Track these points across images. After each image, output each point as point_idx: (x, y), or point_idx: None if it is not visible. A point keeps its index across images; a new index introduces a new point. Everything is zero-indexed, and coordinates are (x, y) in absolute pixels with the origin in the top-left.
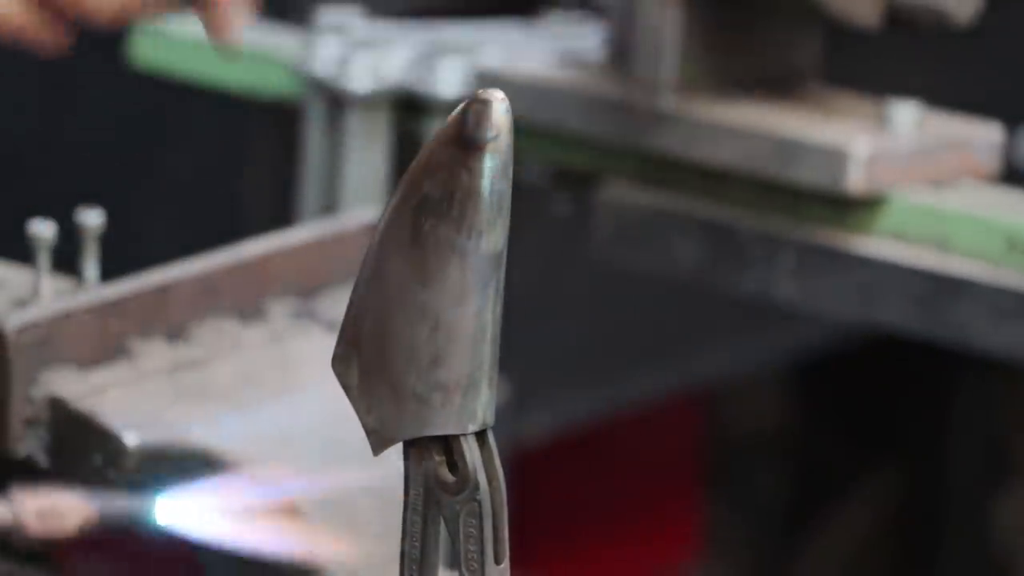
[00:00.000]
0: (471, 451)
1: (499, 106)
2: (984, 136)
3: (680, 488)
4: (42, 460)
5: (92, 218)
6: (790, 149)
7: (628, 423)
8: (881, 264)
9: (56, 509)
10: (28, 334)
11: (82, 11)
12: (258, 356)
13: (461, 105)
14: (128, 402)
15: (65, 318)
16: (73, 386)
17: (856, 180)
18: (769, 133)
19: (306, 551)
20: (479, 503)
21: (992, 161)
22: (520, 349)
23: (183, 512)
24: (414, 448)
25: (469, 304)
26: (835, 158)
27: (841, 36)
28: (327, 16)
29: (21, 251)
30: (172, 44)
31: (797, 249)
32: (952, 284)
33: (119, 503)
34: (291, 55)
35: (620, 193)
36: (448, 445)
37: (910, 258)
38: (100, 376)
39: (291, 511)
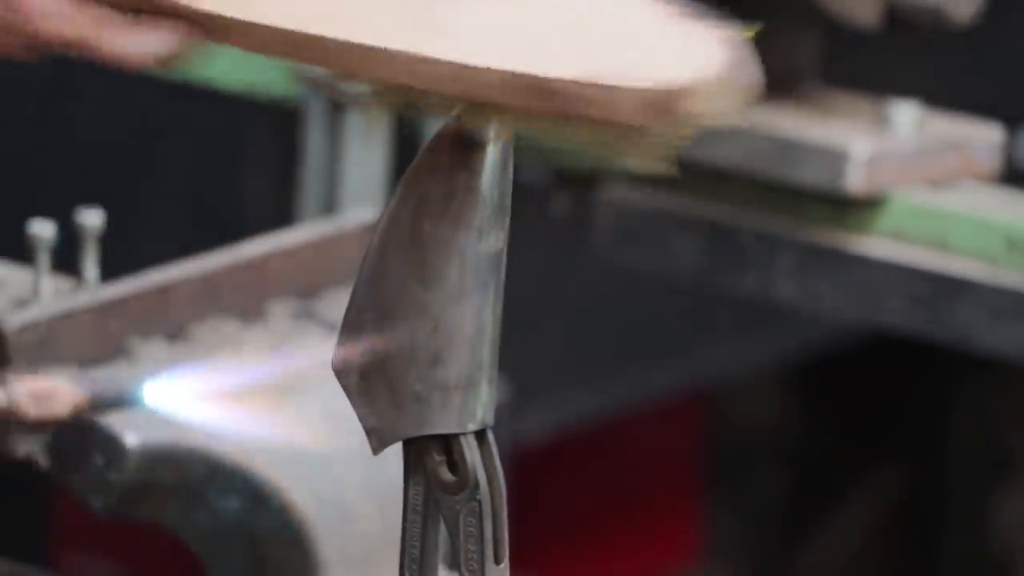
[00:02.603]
0: (471, 451)
1: None
2: (984, 136)
3: (680, 488)
4: (42, 460)
5: (92, 218)
6: (790, 149)
7: (628, 423)
8: (881, 264)
9: (49, 391)
10: (28, 334)
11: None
12: (259, 356)
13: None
14: None
15: (65, 318)
16: None
17: (856, 180)
18: (769, 133)
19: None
20: (479, 503)
21: (992, 161)
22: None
23: (171, 393)
24: (414, 448)
25: (469, 304)
26: (835, 158)
27: (841, 36)
28: None
29: (21, 251)
30: None
31: (797, 249)
32: (952, 284)
33: (110, 384)
34: None
35: (620, 193)
36: (448, 445)
37: (910, 258)
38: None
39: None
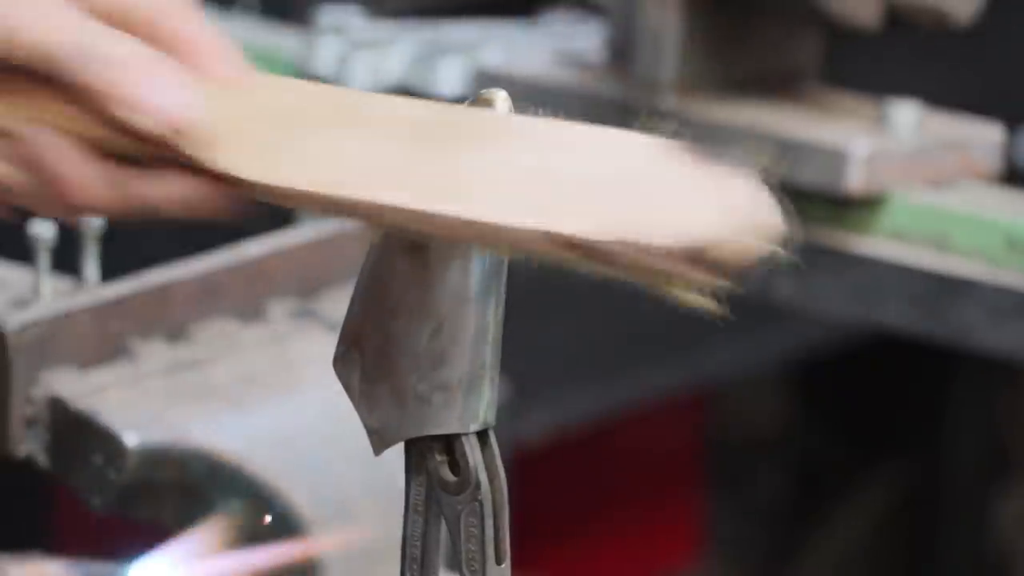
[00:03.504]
0: (472, 451)
1: (502, 105)
2: (984, 136)
3: (680, 488)
4: (42, 460)
5: (92, 218)
6: (790, 149)
7: (628, 423)
8: (881, 264)
9: None
10: (28, 334)
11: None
12: (258, 356)
13: (464, 104)
14: (128, 402)
15: (65, 318)
16: (73, 386)
17: (856, 180)
18: (769, 133)
19: None
20: (480, 503)
21: (992, 161)
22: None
23: None
24: (415, 448)
25: (472, 305)
26: (835, 158)
27: (841, 36)
28: (327, 16)
29: (21, 251)
30: None
31: (797, 249)
32: (952, 284)
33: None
34: (291, 55)
35: None
36: (449, 445)
37: (910, 258)
38: (100, 376)
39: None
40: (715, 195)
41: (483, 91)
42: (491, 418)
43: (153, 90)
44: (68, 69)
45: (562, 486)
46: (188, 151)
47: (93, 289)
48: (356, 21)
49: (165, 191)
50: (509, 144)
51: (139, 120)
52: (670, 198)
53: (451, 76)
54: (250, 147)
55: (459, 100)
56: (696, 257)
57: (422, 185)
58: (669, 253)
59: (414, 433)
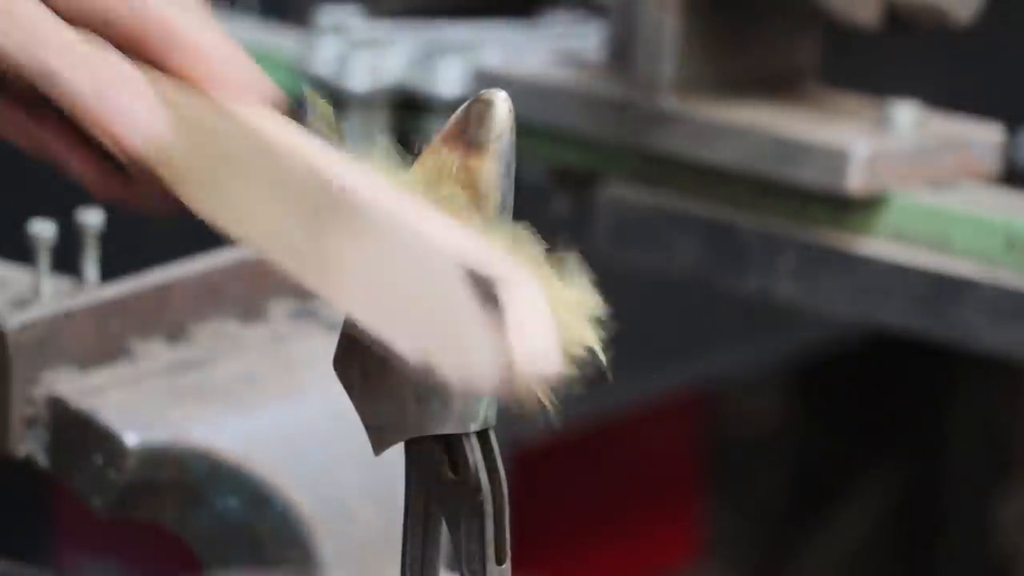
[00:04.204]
0: (473, 451)
1: (502, 106)
2: (984, 136)
3: (680, 488)
4: (42, 460)
5: (92, 218)
6: (790, 149)
7: (628, 423)
8: (881, 264)
9: None
10: (28, 334)
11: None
12: (259, 356)
13: (463, 105)
14: (128, 402)
15: (65, 318)
16: (73, 386)
17: (856, 180)
18: (769, 133)
19: None
20: (481, 503)
21: (992, 161)
22: None
23: None
24: (415, 448)
25: None
26: (835, 158)
27: (841, 36)
28: (327, 16)
29: (21, 251)
30: None
31: (797, 249)
32: (952, 284)
33: None
34: (291, 55)
35: (620, 193)
36: (449, 445)
37: (910, 258)
38: (100, 376)
39: None
40: (524, 323)
41: (483, 91)
42: (491, 418)
43: (116, 112)
44: (41, 85)
45: (562, 486)
46: (143, 167)
47: (93, 289)
48: (356, 21)
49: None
50: (371, 239)
51: (101, 135)
52: (468, 324)
53: (451, 76)
54: (192, 175)
55: (459, 101)
56: (493, 387)
57: (297, 247)
58: (461, 380)
59: (414, 433)
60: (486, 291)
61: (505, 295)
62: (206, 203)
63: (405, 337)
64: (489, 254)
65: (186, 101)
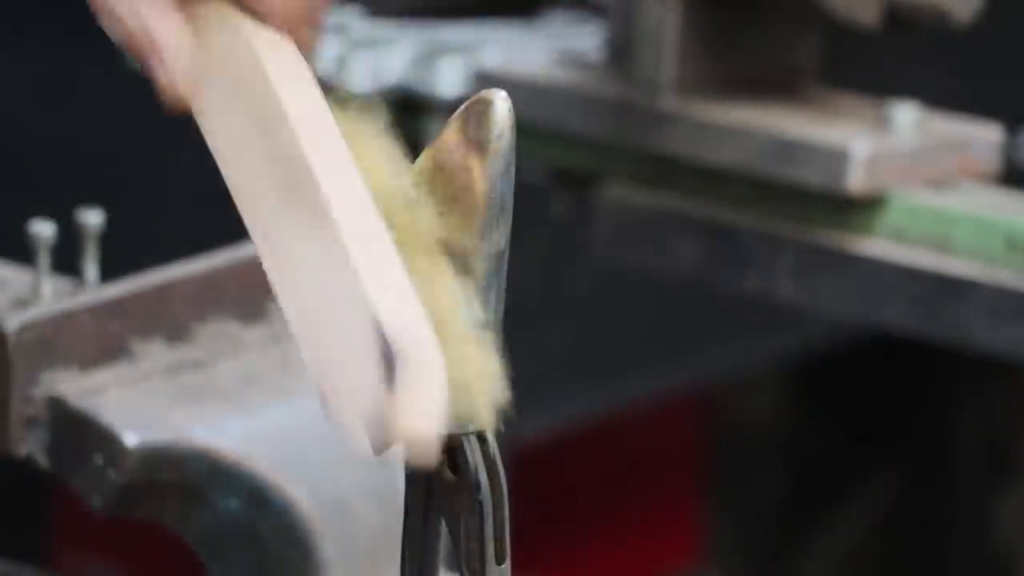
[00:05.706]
0: (472, 451)
1: (502, 106)
2: (984, 136)
3: (680, 488)
4: (42, 460)
5: (92, 218)
6: (790, 149)
7: (628, 423)
8: (881, 264)
9: None
10: (28, 334)
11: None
12: (259, 356)
13: (464, 105)
14: (128, 402)
15: (65, 318)
16: (73, 386)
17: (856, 180)
18: (769, 133)
19: None
20: (480, 503)
21: (992, 161)
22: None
23: None
24: None
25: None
26: (835, 158)
27: (841, 36)
28: (327, 16)
29: (21, 251)
30: None
31: (797, 249)
32: (952, 284)
33: None
34: None
35: (620, 193)
36: (449, 445)
37: (910, 258)
38: (100, 376)
39: None
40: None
41: (483, 91)
42: (491, 419)
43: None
44: None
45: (562, 486)
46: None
47: (93, 289)
48: (356, 21)
49: None
50: (320, 244)
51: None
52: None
53: (451, 76)
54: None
55: (458, 101)
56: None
57: (262, 228)
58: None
59: None
60: (388, 361)
61: (404, 373)
62: (206, 119)
63: (313, 350)
64: (409, 320)
65: (221, 23)
